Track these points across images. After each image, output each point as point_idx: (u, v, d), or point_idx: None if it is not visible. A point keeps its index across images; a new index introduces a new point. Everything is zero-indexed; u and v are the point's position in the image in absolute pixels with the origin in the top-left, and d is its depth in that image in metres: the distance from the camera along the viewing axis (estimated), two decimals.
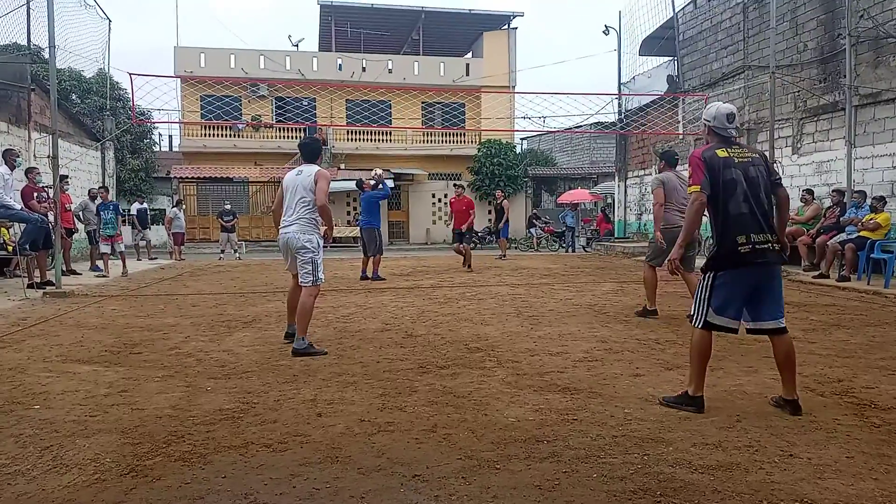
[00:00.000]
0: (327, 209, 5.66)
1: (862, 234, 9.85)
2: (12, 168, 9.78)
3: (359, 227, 11.96)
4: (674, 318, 6.91)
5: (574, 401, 3.91)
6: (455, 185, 14.89)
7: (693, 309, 3.83)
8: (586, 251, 21.29)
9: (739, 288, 3.65)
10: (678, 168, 7.27)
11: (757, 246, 3.58)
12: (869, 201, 10.35)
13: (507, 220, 16.18)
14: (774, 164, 6.98)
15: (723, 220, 3.68)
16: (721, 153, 3.76)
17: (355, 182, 12.74)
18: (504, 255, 16.33)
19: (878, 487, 2.68)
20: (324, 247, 5.76)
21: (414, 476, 2.82)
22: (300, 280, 5.58)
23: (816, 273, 10.55)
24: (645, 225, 20.58)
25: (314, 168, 5.66)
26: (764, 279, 3.65)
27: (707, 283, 3.72)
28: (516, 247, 22.97)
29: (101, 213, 12.39)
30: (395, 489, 2.69)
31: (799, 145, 13.49)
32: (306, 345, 5.33)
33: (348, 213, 29.26)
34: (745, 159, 3.76)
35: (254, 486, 2.72)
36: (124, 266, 12.61)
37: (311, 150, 5.81)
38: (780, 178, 3.96)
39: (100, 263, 12.42)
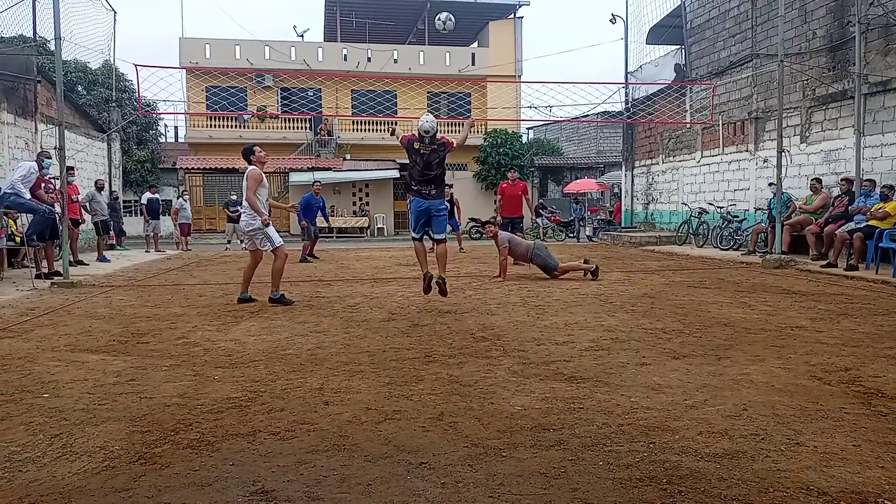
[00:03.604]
0: (251, 200, 7.27)
1: (871, 223, 9.78)
2: (40, 168, 10.20)
3: (305, 220, 14.15)
4: (680, 308, 6.90)
5: (580, 389, 3.92)
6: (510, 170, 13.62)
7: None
8: (593, 241, 21.26)
9: (418, 217, 6.91)
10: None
11: (421, 192, 6.80)
12: (878, 190, 10.28)
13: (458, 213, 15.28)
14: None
15: (410, 172, 6.92)
16: (416, 145, 6.76)
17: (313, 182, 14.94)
18: (462, 248, 15.38)
19: (884, 476, 2.67)
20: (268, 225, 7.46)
21: (420, 463, 2.83)
22: (265, 249, 7.52)
23: (824, 262, 10.51)
24: (652, 214, 20.51)
25: (247, 169, 7.43)
26: (430, 210, 6.86)
27: (410, 216, 7.11)
28: (523, 236, 22.94)
29: None
30: (401, 476, 2.70)
31: (807, 134, 13.39)
32: (279, 295, 7.37)
33: (354, 203, 29.27)
34: (427, 150, 6.71)
35: (261, 473, 2.74)
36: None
37: (244, 154, 7.56)
38: (448, 148, 6.84)
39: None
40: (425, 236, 7.19)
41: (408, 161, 6.99)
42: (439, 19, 13.89)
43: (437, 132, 6.82)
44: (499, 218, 12.65)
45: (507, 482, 2.63)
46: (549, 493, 2.54)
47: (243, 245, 17.37)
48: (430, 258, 7.32)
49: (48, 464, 2.85)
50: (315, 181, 15.55)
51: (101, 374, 4.35)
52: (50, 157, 10.78)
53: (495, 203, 13.48)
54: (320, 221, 14.63)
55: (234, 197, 19.35)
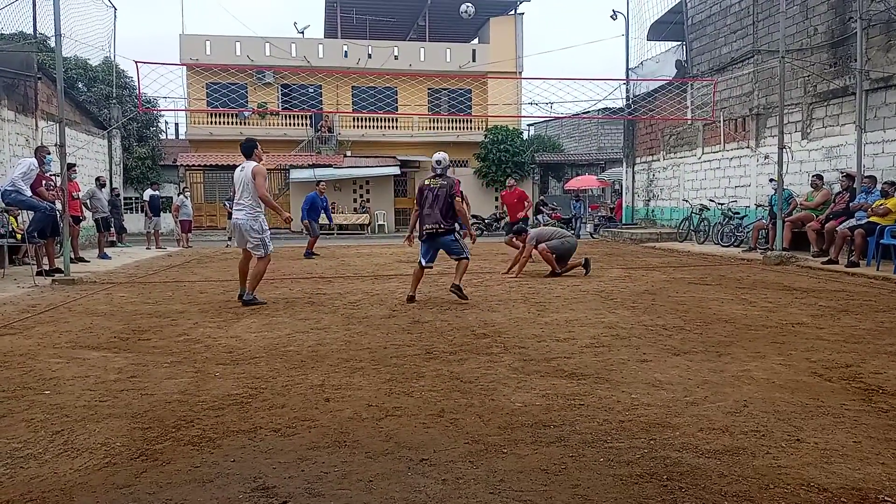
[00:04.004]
0: (266, 197, 7.04)
1: (872, 219, 9.77)
2: (41, 163, 10.06)
3: (304, 219, 14.54)
4: (681, 304, 6.90)
5: (581, 386, 3.92)
6: (509, 178, 15.24)
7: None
8: (594, 237, 21.25)
9: (429, 248, 7.39)
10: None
11: (427, 231, 7.26)
12: (879, 186, 10.26)
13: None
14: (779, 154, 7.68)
15: (419, 217, 7.38)
16: (426, 182, 7.42)
17: (316, 181, 15.06)
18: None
19: (885, 472, 2.67)
20: (270, 229, 7.36)
21: (421, 460, 2.83)
22: (255, 253, 7.14)
23: (825, 259, 10.50)
24: (653, 211, 20.50)
25: (251, 164, 7.06)
26: (439, 243, 7.34)
27: (420, 248, 7.49)
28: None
29: None
30: (402, 473, 2.70)
31: (808, 130, 13.37)
32: (252, 297, 7.14)
33: (355, 200, 29.24)
34: (436, 186, 7.28)
35: (262, 469, 2.74)
36: None
37: (246, 148, 7.18)
38: (455, 194, 7.22)
39: None
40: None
41: (417, 207, 7.45)
42: (463, 10, 14.45)
43: (448, 168, 7.46)
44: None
45: (508, 478, 2.63)
46: (549, 489, 2.54)
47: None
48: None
49: (50, 460, 2.86)
50: (319, 181, 15.50)
51: (102, 370, 4.35)
52: (50, 153, 10.77)
53: (496, 200, 14.66)
54: (323, 219, 14.78)
55: None
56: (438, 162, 7.44)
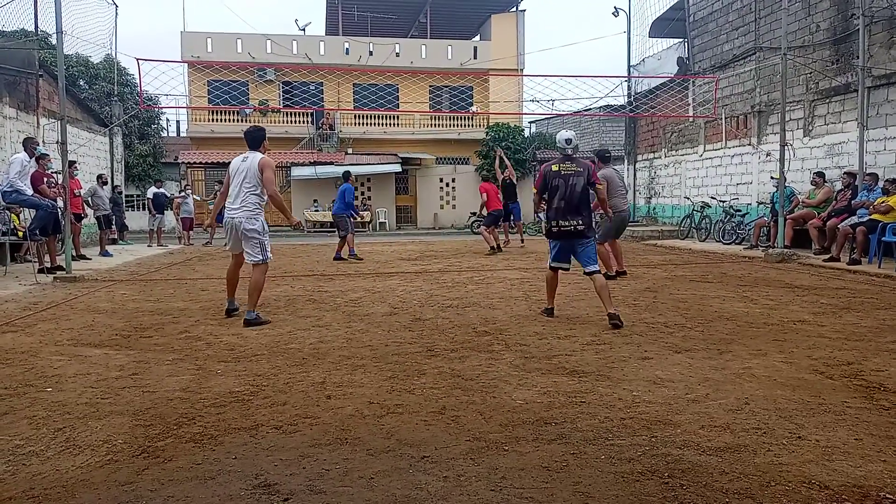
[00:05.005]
0: (277, 194, 6.14)
1: (873, 216, 9.75)
2: (32, 156, 9.98)
3: (333, 213, 13.56)
4: (683, 302, 6.89)
5: (582, 383, 3.92)
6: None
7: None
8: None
9: (561, 248, 6.11)
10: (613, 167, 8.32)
11: (563, 228, 5.97)
12: (881, 184, 10.24)
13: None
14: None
15: (548, 210, 6.14)
16: (554, 167, 6.08)
17: (343, 172, 14.07)
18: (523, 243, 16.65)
19: (886, 469, 2.67)
20: (269, 229, 6.41)
21: (423, 457, 2.84)
22: (250, 259, 6.11)
23: (827, 256, 10.48)
24: (654, 209, 20.48)
25: (258, 156, 6.09)
26: (574, 244, 6.04)
27: (549, 245, 6.21)
28: (525, 231, 22.94)
29: None
30: (404, 470, 2.71)
31: (810, 127, 13.35)
32: (255, 315, 5.93)
33: (356, 197, 29.22)
34: (569, 172, 6.01)
35: (264, 466, 2.75)
36: None
37: (254, 138, 6.17)
38: (595, 182, 6.10)
39: None
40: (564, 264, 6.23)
41: (545, 196, 6.14)
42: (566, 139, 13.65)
43: (577, 147, 6.24)
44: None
45: (509, 476, 2.64)
46: (550, 486, 2.54)
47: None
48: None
49: (52, 457, 2.87)
50: (346, 171, 14.08)
51: (103, 368, 4.36)
52: (39, 144, 10.66)
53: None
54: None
55: None
56: (568, 140, 6.15)
